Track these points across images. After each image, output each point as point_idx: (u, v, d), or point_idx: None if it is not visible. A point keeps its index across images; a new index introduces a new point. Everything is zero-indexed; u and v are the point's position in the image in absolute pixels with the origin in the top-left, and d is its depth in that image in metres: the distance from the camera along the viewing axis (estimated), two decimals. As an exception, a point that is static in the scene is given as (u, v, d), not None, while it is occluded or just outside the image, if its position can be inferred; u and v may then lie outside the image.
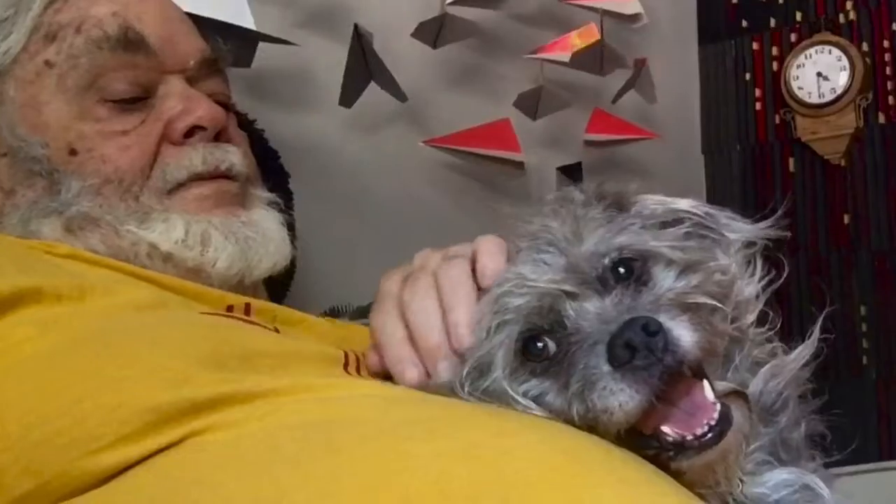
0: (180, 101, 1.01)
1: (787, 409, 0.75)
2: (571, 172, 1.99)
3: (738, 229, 0.80)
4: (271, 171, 1.34)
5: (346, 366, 0.84)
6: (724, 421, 0.68)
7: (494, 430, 0.65)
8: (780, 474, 0.72)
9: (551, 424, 0.68)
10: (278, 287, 1.23)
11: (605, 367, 0.67)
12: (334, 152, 1.68)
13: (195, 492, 0.64)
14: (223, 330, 0.83)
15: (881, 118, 2.21)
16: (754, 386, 0.74)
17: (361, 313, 1.53)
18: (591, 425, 0.69)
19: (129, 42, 0.99)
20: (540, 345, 0.71)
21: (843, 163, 2.25)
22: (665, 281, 0.74)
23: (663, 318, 0.68)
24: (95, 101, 0.99)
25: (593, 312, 0.70)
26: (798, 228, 2.29)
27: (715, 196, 2.40)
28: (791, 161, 2.32)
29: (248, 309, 0.96)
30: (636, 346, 0.66)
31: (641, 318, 0.67)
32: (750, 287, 0.78)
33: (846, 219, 2.24)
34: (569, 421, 0.69)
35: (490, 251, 0.78)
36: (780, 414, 0.74)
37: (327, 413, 0.69)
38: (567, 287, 0.71)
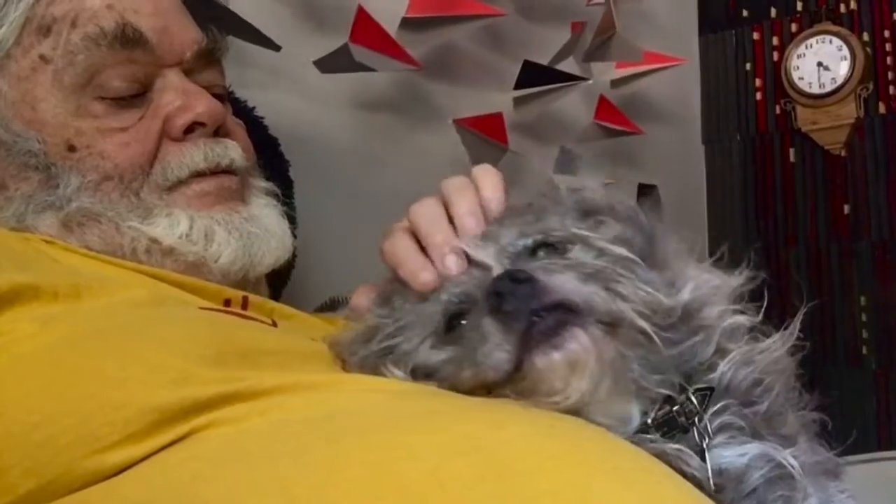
0: (178, 97, 1.00)
1: (769, 395, 0.75)
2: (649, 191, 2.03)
3: (664, 239, 0.81)
4: (271, 159, 1.34)
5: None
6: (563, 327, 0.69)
7: (491, 423, 0.65)
8: (754, 448, 0.72)
9: (547, 415, 0.69)
10: (278, 277, 1.23)
11: (483, 318, 0.70)
12: (334, 140, 1.68)
13: (197, 485, 0.64)
14: (223, 326, 0.83)
15: (882, 108, 2.21)
16: (721, 371, 0.74)
17: (361, 304, 1.54)
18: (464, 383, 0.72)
19: (127, 39, 0.98)
20: (455, 322, 0.75)
21: (843, 153, 2.25)
22: (582, 258, 0.76)
23: (540, 273, 0.70)
24: (93, 98, 0.97)
25: (486, 283, 0.73)
26: (798, 219, 2.29)
27: (715, 186, 2.41)
28: (791, 151, 2.32)
29: (245, 303, 0.96)
30: (503, 293, 0.69)
31: (514, 270, 0.71)
32: (713, 280, 0.78)
33: (846, 209, 2.24)
34: (463, 381, 0.72)
35: (488, 172, 0.83)
36: (761, 400, 0.74)
37: (328, 408, 0.70)
38: (485, 264, 0.75)
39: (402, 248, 0.80)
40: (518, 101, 1.91)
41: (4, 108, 0.98)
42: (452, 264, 0.76)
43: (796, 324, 0.78)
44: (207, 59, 1.06)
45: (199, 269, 0.97)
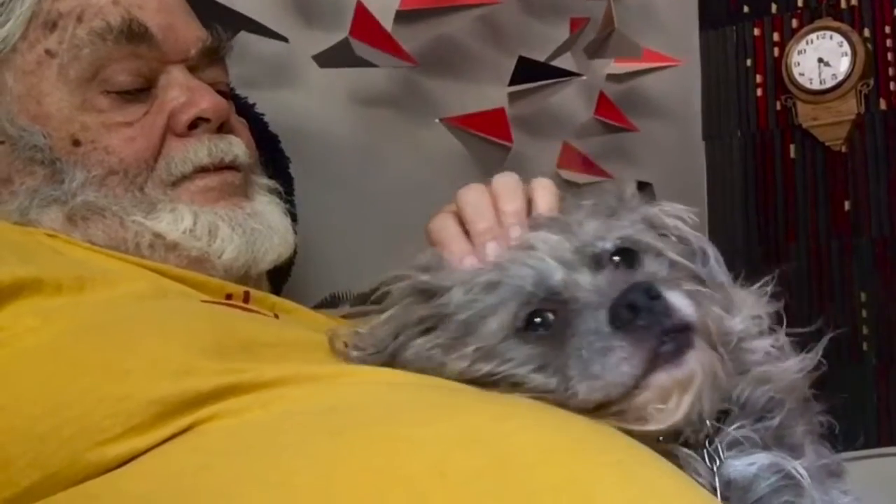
0: (183, 92, 1.00)
1: (780, 410, 0.75)
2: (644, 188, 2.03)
3: (719, 271, 0.81)
4: (271, 155, 1.34)
5: (346, 354, 0.85)
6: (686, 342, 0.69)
7: (493, 415, 0.66)
8: (763, 458, 0.72)
9: (548, 408, 0.69)
10: (279, 273, 1.23)
11: (606, 329, 0.68)
12: (334, 136, 1.68)
13: (200, 477, 0.64)
14: (224, 319, 0.83)
15: (882, 104, 2.21)
16: (739, 389, 0.74)
17: (362, 300, 1.54)
18: (575, 396, 0.69)
19: (133, 34, 0.98)
20: (539, 319, 0.72)
21: (843, 149, 2.25)
22: (658, 270, 0.76)
23: (661, 287, 0.69)
24: (98, 93, 0.98)
25: (589, 283, 0.72)
26: (798, 215, 2.29)
27: (715, 182, 2.40)
28: (792, 147, 2.32)
29: (246, 297, 0.96)
30: (639, 307, 0.67)
31: (644, 282, 0.69)
32: (758, 309, 0.79)
33: (847, 205, 2.24)
34: (554, 392, 0.70)
35: (545, 187, 0.83)
36: (773, 415, 0.75)
37: (330, 400, 0.70)
38: (561, 259, 0.73)
39: (446, 231, 0.81)
40: (514, 97, 1.91)
41: (10, 103, 0.98)
42: (492, 251, 0.77)
43: (819, 349, 0.78)
44: (212, 57, 1.07)
45: (202, 265, 0.97)
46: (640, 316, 0.67)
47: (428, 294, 0.77)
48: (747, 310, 0.78)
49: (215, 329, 0.77)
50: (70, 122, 0.97)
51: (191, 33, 1.04)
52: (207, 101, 1.01)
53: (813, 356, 0.78)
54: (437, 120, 1.77)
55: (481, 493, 0.58)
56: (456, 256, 0.79)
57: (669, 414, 0.69)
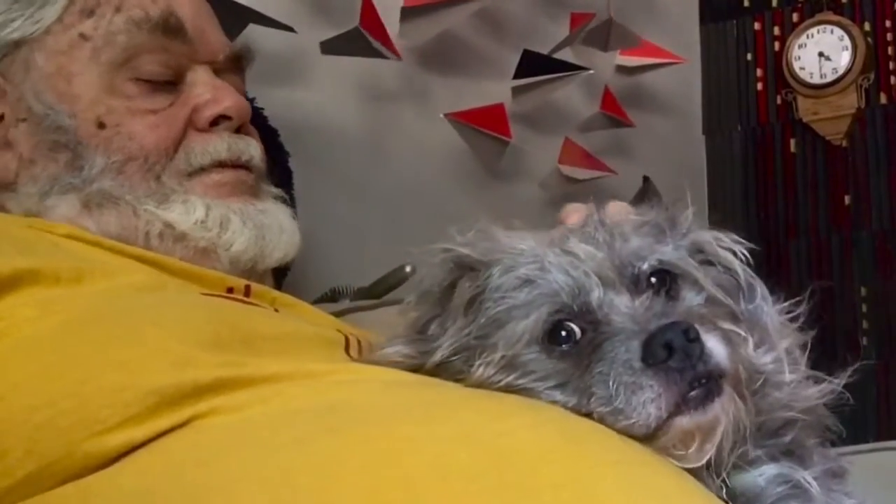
0: (208, 90, 1.04)
1: (793, 428, 0.74)
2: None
3: (768, 313, 0.79)
4: (271, 150, 1.34)
5: (346, 348, 0.85)
6: (715, 385, 0.67)
7: (491, 414, 0.65)
8: (771, 469, 0.72)
9: (547, 407, 0.68)
10: (280, 268, 1.24)
11: (637, 364, 0.66)
12: (334, 129, 1.68)
13: (199, 474, 0.64)
14: (224, 311, 0.83)
15: (882, 98, 2.21)
16: (761, 415, 0.73)
17: (362, 294, 1.54)
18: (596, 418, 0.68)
19: (169, 27, 1.02)
20: (565, 333, 0.70)
21: (844, 143, 2.25)
22: (693, 300, 0.74)
23: (700, 329, 0.67)
24: (127, 79, 1.01)
25: (625, 307, 0.70)
26: (799, 209, 2.29)
27: (716, 176, 2.40)
28: (792, 142, 2.32)
29: (247, 291, 0.96)
30: (675, 348, 0.65)
31: (683, 322, 0.67)
32: (791, 349, 0.77)
33: (847, 199, 2.24)
34: (573, 410, 0.69)
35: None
36: (785, 433, 0.74)
37: (328, 397, 0.70)
38: (602, 275, 0.71)
39: (579, 210, 0.79)
40: (516, 92, 1.91)
41: (38, 81, 1.00)
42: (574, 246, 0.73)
43: (843, 378, 0.77)
44: (235, 66, 1.11)
45: (208, 256, 0.99)
46: (675, 357, 0.65)
47: (470, 268, 0.75)
48: (781, 345, 0.76)
49: (214, 321, 0.77)
50: (97, 103, 0.99)
51: (219, 40, 1.09)
52: (231, 100, 1.04)
53: (835, 385, 0.76)
54: (441, 115, 1.77)
55: (481, 492, 0.58)
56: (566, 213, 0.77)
57: (690, 459, 0.68)
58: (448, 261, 0.76)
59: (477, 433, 0.62)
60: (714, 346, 0.67)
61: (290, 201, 1.36)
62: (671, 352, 0.65)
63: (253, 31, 1.49)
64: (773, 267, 2.23)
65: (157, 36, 1.01)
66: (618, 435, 0.66)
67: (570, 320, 0.71)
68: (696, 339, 0.66)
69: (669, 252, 0.75)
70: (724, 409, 0.68)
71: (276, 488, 0.61)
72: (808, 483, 0.70)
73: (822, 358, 0.78)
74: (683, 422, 0.67)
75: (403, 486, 0.59)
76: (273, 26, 1.53)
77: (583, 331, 0.70)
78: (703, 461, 0.68)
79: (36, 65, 1.00)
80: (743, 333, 0.73)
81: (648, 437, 0.67)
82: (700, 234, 0.79)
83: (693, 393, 0.66)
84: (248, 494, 0.61)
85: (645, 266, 0.73)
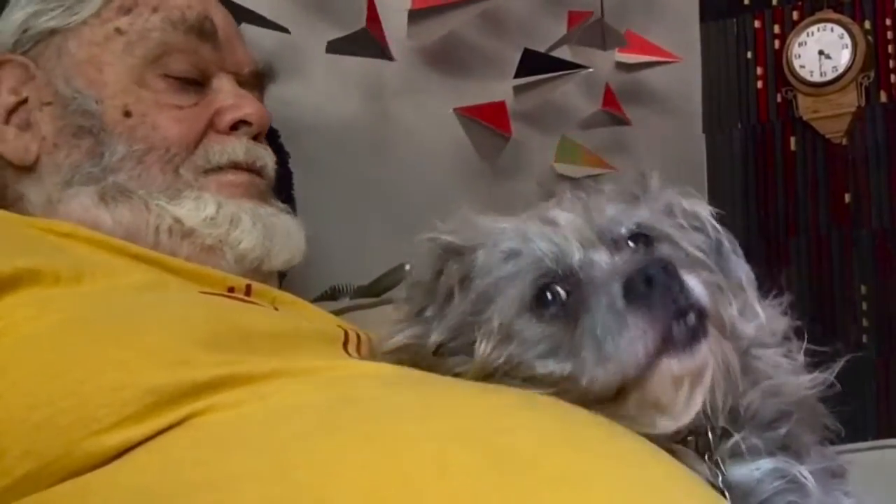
0: (231, 97, 1.08)
1: (787, 420, 0.74)
2: None
3: (738, 265, 0.80)
4: (271, 149, 1.34)
5: (345, 344, 0.85)
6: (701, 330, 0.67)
7: (490, 409, 0.66)
8: (767, 463, 0.72)
9: (546, 401, 0.69)
10: (278, 267, 1.24)
11: (620, 303, 0.67)
12: (334, 128, 1.68)
13: (197, 471, 0.64)
14: (222, 310, 0.83)
15: (883, 97, 2.21)
16: (749, 399, 0.73)
17: (362, 293, 1.54)
18: (591, 383, 0.68)
19: (204, 31, 1.07)
20: (551, 295, 0.71)
21: (844, 141, 2.25)
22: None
23: (678, 267, 0.68)
24: (156, 75, 1.04)
25: (605, 263, 0.71)
26: (799, 207, 2.29)
27: (716, 175, 2.41)
28: (792, 140, 2.32)
29: (248, 290, 0.97)
30: (655, 282, 0.66)
31: (662, 259, 0.68)
32: (775, 322, 0.78)
33: (847, 198, 2.24)
34: (569, 379, 0.69)
35: None
36: (780, 425, 0.74)
37: (327, 394, 0.70)
38: (582, 239, 0.72)
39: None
40: (518, 90, 1.91)
41: (69, 66, 1.04)
42: (560, 217, 0.75)
43: (834, 370, 0.77)
44: (257, 82, 1.15)
45: (214, 254, 1.01)
46: (655, 290, 0.66)
47: (456, 252, 0.76)
48: (762, 319, 0.76)
49: (212, 320, 0.78)
50: (126, 92, 1.03)
51: (246, 55, 1.14)
52: (252, 108, 1.08)
53: (826, 375, 0.77)
54: (451, 110, 1.78)
55: (480, 488, 0.58)
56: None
57: (683, 408, 0.68)
58: (435, 249, 0.78)
59: (476, 429, 0.63)
60: (694, 284, 0.68)
61: (291, 201, 1.37)
62: (651, 284, 0.66)
63: (252, 29, 1.49)
64: (772, 265, 2.23)
65: (191, 38, 1.06)
66: (619, 429, 0.66)
67: (555, 283, 0.72)
68: (676, 275, 0.67)
69: (646, 215, 0.77)
70: (712, 352, 0.68)
71: (274, 485, 0.61)
72: (805, 478, 0.70)
73: (823, 356, 0.78)
74: (672, 364, 0.67)
75: (402, 483, 0.59)
76: (266, 26, 1.53)
77: (568, 293, 0.71)
78: (694, 411, 0.68)
79: (69, 51, 1.04)
80: (721, 285, 0.73)
81: (639, 385, 0.68)
82: (670, 195, 0.81)
83: (677, 330, 0.66)
84: (246, 491, 0.61)
85: (623, 230, 0.75)
